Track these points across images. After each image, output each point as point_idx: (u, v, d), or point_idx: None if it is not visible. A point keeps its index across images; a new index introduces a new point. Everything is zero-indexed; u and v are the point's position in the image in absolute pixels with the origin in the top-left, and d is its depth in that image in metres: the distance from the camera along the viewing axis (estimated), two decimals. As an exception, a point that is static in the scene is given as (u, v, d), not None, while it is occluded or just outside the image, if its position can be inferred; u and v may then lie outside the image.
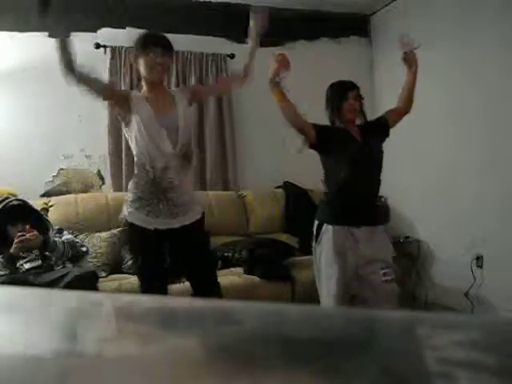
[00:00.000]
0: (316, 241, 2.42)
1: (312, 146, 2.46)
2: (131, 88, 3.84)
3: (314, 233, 2.43)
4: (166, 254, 2.19)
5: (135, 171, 2.13)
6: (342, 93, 2.43)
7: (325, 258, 2.37)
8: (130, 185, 2.15)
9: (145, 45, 2.08)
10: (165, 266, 2.20)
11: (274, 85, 2.42)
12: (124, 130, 2.20)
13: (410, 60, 2.51)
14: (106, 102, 3.70)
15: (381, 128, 2.53)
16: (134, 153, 2.12)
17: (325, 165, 2.50)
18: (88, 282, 2.58)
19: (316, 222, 2.43)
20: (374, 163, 2.46)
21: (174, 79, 3.88)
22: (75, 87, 2.05)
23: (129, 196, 2.14)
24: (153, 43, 2.07)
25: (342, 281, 2.36)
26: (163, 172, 2.06)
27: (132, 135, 2.09)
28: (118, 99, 2.16)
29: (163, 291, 2.18)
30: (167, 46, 2.11)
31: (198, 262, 2.24)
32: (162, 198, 2.07)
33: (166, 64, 2.11)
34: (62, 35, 2.00)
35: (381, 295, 2.35)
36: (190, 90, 2.30)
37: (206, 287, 2.22)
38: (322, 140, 2.42)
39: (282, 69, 2.40)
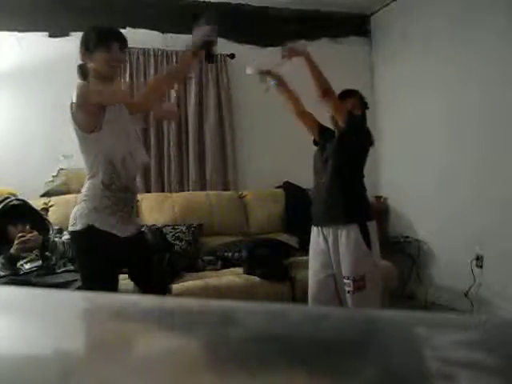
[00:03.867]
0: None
1: (316, 144, 2.59)
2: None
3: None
4: (123, 262, 2.12)
5: (102, 177, 2.00)
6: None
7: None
8: (96, 191, 2.01)
9: (105, 39, 1.99)
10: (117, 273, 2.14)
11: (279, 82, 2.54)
12: (88, 137, 2.06)
13: (293, 54, 2.51)
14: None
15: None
16: (102, 158, 2.01)
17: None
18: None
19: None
20: (324, 168, 2.46)
21: (173, 79, 3.89)
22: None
23: (96, 202, 1.99)
24: (113, 38, 2.00)
25: (314, 278, 2.45)
26: (134, 180, 2.09)
27: (101, 139, 2.01)
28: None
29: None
30: (125, 42, 2.06)
31: (145, 265, 2.23)
32: (130, 206, 2.06)
33: (123, 60, 2.11)
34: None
35: (349, 304, 2.36)
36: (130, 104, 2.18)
37: (155, 290, 2.19)
38: (322, 139, 2.53)
39: (289, 57, 2.50)
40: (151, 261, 2.32)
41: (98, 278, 1.98)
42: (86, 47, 2.02)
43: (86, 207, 1.99)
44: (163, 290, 2.29)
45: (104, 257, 2.01)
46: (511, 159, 3.25)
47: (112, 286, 2.01)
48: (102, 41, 1.99)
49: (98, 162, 2.00)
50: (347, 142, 2.36)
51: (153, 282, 2.24)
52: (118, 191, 2.00)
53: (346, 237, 2.31)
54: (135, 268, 2.21)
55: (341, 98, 2.42)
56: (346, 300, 2.35)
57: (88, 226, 1.96)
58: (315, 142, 2.59)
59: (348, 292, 2.32)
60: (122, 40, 2.05)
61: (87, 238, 1.99)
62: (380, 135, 3.97)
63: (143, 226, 2.25)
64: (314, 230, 2.48)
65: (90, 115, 1.98)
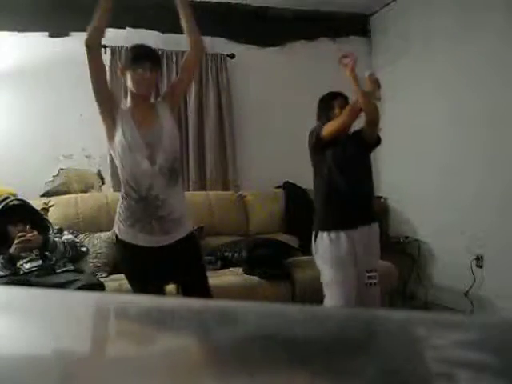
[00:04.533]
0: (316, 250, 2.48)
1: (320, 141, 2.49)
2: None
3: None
4: (161, 273, 2.09)
5: (122, 189, 2.05)
6: (327, 102, 2.53)
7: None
8: (120, 203, 2.06)
9: (133, 59, 1.99)
10: (161, 286, 2.15)
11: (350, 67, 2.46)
12: (108, 146, 2.11)
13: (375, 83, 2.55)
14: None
15: (358, 140, 2.54)
16: (119, 169, 2.04)
17: (314, 172, 2.55)
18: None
19: (313, 232, 2.49)
20: (354, 167, 2.49)
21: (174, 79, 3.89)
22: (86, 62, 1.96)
23: (120, 214, 2.05)
24: (141, 57, 1.99)
25: (350, 285, 2.39)
26: (149, 190, 1.98)
27: (115, 152, 2.02)
28: (108, 101, 2.06)
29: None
30: (156, 60, 2.04)
31: (192, 276, 2.17)
32: (153, 215, 1.99)
33: (153, 79, 2.03)
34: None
35: (362, 297, 2.36)
36: (167, 94, 2.21)
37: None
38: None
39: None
40: (194, 270, 2.18)
41: (133, 286, 2.11)
42: (122, 66, 2.07)
43: (116, 219, 2.10)
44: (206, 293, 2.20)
45: (130, 266, 2.11)
46: (511, 159, 3.25)
47: (146, 289, 2.01)
48: (131, 60, 2.00)
49: (120, 172, 2.06)
50: (374, 143, 2.54)
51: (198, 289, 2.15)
52: (134, 202, 2.00)
53: (374, 232, 2.48)
54: (178, 279, 2.20)
55: (332, 99, 2.51)
56: (370, 293, 2.39)
57: (115, 235, 2.10)
58: (321, 142, 2.48)
59: (371, 284, 2.40)
60: (153, 59, 2.02)
61: (116, 246, 2.18)
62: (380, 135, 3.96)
63: (185, 235, 2.14)
64: (333, 234, 2.39)
65: (106, 124, 2.07)
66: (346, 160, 2.46)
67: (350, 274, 2.37)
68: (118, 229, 2.05)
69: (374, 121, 2.43)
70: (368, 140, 2.51)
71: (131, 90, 2.04)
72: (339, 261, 2.38)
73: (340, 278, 2.36)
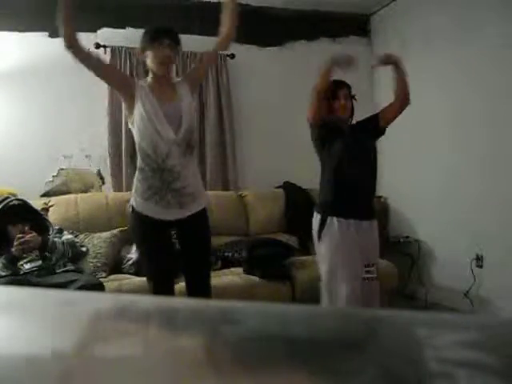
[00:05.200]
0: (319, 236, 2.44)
1: (314, 137, 2.53)
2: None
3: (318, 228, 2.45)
4: (173, 246, 2.21)
5: (139, 162, 2.13)
6: (332, 92, 2.49)
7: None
8: (137, 175, 2.15)
9: (154, 37, 2.07)
10: (173, 258, 2.21)
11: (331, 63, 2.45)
12: (128, 122, 2.20)
13: (391, 61, 2.60)
14: (107, 105, 3.73)
15: (371, 126, 2.56)
16: (137, 142, 2.11)
17: (322, 160, 2.55)
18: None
19: (319, 217, 2.45)
20: (364, 160, 2.50)
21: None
22: (78, 62, 2.03)
23: (137, 186, 2.14)
24: (162, 36, 2.07)
25: (356, 280, 2.38)
26: (166, 159, 2.05)
27: (135, 123, 2.09)
28: (120, 80, 2.17)
29: (171, 287, 2.19)
30: (175, 39, 2.11)
31: (198, 253, 2.25)
32: (169, 187, 2.07)
33: (173, 57, 2.11)
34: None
35: (361, 292, 2.35)
36: (188, 75, 2.33)
37: (199, 283, 2.24)
38: (325, 129, 2.49)
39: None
40: (198, 246, 2.26)
41: (146, 258, 2.21)
42: (141, 47, 2.13)
43: (133, 192, 2.18)
44: (205, 286, 2.26)
45: (146, 238, 2.18)
46: (511, 159, 3.25)
47: (161, 264, 2.14)
48: (150, 39, 2.08)
49: (138, 145, 2.12)
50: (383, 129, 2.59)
51: (195, 267, 2.25)
52: (151, 173, 2.07)
53: (374, 228, 2.49)
54: (184, 252, 2.25)
55: (338, 89, 2.49)
56: (370, 288, 2.39)
57: (132, 207, 2.17)
58: (315, 130, 2.50)
59: (373, 279, 2.40)
60: (171, 37, 2.09)
61: (131, 216, 2.21)
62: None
63: (199, 209, 2.20)
64: (344, 222, 2.38)
65: (125, 100, 2.13)
66: (354, 150, 2.47)
67: (356, 260, 2.38)
68: (135, 201, 2.14)
69: (406, 102, 2.54)
70: (384, 124, 2.56)
71: (151, 69, 2.11)
72: (347, 246, 2.37)
73: (348, 262, 2.36)
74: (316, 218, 2.45)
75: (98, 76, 2.09)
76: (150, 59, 2.09)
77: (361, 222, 2.42)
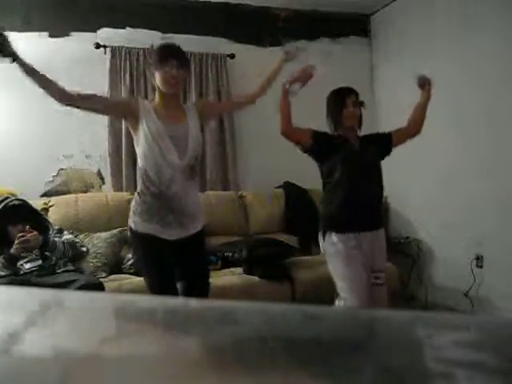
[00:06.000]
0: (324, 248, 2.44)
1: (306, 151, 2.46)
2: (132, 88, 3.84)
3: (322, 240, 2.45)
4: (174, 265, 2.15)
5: (139, 185, 2.10)
6: (340, 100, 2.41)
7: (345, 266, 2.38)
8: (136, 198, 2.11)
9: (162, 57, 2.03)
10: (174, 278, 2.17)
11: (284, 91, 2.41)
12: (134, 142, 2.16)
13: (424, 83, 2.62)
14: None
15: (382, 143, 2.52)
16: (140, 165, 2.08)
17: (322, 172, 2.48)
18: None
19: (321, 231, 2.44)
20: (370, 172, 2.45)
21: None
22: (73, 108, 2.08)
23: (136, 209, 2.10)
24: (169, 56, 2.03)
25: (361, 286, 2.35)
26: (169, 184, 2.02)
27: (139, 146, 2.06)
28: (123, 111, 2.13)
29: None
30: (184, 59, 2.08)
31: (198, 270, 2.23)
32: (170, 209, 2.05)
33: (181, 77, 2.07)
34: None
35: (369, 298, 2.35)
36: (201, 105, 2.28)
37: (199, 294, 2.21)
38: (318, 145, 2.41)
39: (301, 80, 2.42)
40: (197, 264, 2.24)
41: (148, 276, 2.15)
42: (149, 64, 2.13)
43: (130, 213, 2.14)
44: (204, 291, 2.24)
45: (146, 257, 2.14)
46: (511, 159, 3.25)
47: (162, 279, 2.09)
48: (158, 59, 2.05)
49: (140, 167, 2.09)
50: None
51: (195, 283, 2.22)
52: (151, 198, 2.05)
53: (381, 236, 2.48)
54: (182, 271, 2.21)
55: (345, 96, 2.41)
56: (377, 294, 2.40)
57: (130, 227, 2.13)
58: (306, 151, 2.46)
59: (378, 285, 2.41)
60: (180, 57, 2.06)
61: (131, 237, 2.18)
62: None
63: (200, 229, 2.21)
64: (343, 236, 2.34)
65: (130, 122, 2.12)
66: (359, 164, 2.41)
67: (358, 270, 2.33)
68: (134, 222, 2.10)
69: (419, 130, 2.63)
70: (393, 146, 2.56)
71: (159, 88, 2.09)
72: (348, 258, 2.34)
73: (349, 274, 2.32)
74: (320, 231, 2.45)
75: (107, 115, 2.11)
76: (157, 79, 2.06)
77: (365, 233, 2.38)
